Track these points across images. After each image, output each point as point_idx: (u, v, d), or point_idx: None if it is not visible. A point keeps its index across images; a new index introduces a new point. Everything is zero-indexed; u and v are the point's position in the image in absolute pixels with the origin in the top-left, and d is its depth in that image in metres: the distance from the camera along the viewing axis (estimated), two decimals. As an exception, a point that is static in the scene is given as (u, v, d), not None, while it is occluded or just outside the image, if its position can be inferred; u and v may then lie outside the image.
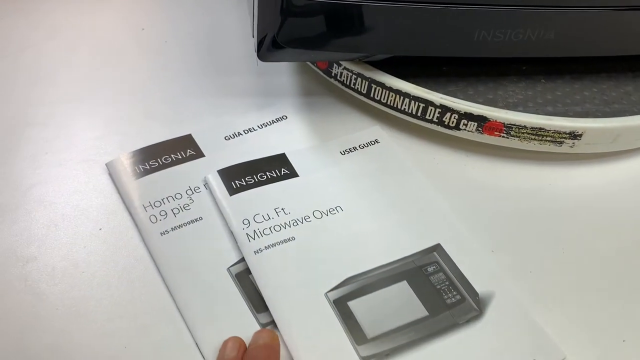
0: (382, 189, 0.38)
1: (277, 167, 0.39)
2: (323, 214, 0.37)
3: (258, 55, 0.37)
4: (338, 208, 0.37)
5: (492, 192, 0.39)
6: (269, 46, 0.37)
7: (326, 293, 0.33)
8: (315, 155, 0.40)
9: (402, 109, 0.41)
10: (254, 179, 0.38)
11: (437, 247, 0.35)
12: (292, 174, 0.39)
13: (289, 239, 0.35)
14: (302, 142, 0.41)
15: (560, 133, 0.39)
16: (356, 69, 0.41)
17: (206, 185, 0.38)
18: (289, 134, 0.41)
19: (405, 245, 0.35)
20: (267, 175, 0.39)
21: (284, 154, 0.40)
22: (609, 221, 0.38)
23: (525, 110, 0.40)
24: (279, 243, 0.35)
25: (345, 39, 0.37)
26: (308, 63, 0.45)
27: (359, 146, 0.41)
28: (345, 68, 0.41)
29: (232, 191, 0.37)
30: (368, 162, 0.40)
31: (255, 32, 0.37)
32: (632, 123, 0.40)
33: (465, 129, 0.40)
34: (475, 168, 0.40)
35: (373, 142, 0.41)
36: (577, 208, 0.38)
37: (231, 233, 0.35)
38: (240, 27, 0.49)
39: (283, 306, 0.32)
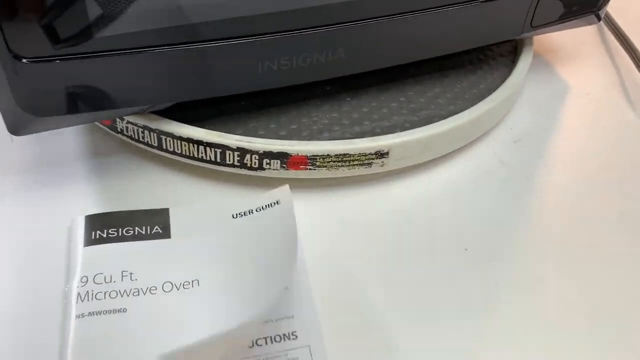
0: (252, 263, 0.33)
1: (151, 224, 0.34)
2: (174, 287, 0.32)
3: (9, 130, 0.32)
4: (195, 282, 0.32)
5: (314, 232, 0.36)
6: (17, 119, 0.31)
7: None
8: (203, 216, 0.35)
9: (200, 157, 0.37)
10: (117, 232, 0.34)
11: None
12: (164, 234, 0.34)
13: (119, 310, 0.31)
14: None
15: (366, 155, 0.37)
16: (141, 121, 0.36)
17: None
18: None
19: None
20: (134, 231, 0.34)
21: (167, 209, 0.35)
22: (432, 239, 0.36)
23: (331, 135, 0.38)
24: (106, 312, 0.30)
25: (107, 96, 0.32)
26: (94, 120, 0.40)
27: (256, 209, 0.36)
28: (129, 122, 0.37)
29: (89, 242, 0.33)
30: (259, 227, 0.35)
31: (-2, 104, 0.31)
32: (437, 130, 0.39)
33: (270, 168, 0.37)
34: (300, 205, 0.37)
35: (273, 204, 0.35)
36: (397, 232, 0.37)
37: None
38: None
39: None
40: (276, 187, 0.37)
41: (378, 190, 0.39)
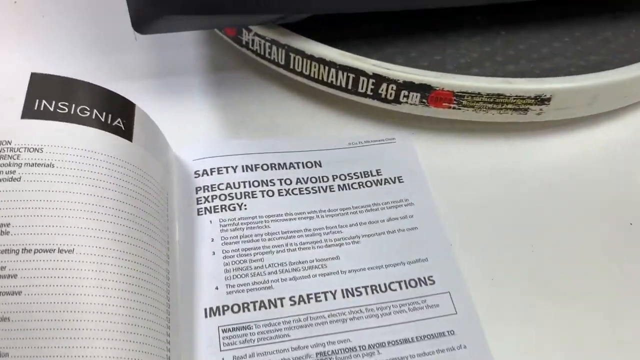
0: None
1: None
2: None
3: (134, 27, 0.29)
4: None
5: (446, 178, 0.32)
6: (145, 14, 0.28)
7: None
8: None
9: (329, 81, 0.33)
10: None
11: None
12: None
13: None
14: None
15: (523, 99, 0.31)
16: (269, 34, 0.33)
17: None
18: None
19: None
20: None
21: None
22: (589, 205, 0.31)
23: (481, 71, 0.32)
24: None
25: (241, -2, 0.29)
26: (215, 30, 0.37)
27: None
28: (256, 34, 0.33)
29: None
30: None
31: (126, -3, 0.29)
32: (613, 78, 0.32)
33: (407, 102, 0.32)
34: (424, 148, 0.33)
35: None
36: (549, 190, 0.31)
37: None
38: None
39: None
40: (405, 127, 0.33)
41: (528, 142, 0.33)
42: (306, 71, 0.33)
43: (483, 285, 0.27)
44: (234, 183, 0.30)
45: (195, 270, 0.27)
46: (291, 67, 0.33)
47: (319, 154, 0.32)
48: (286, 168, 0.31)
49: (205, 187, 0.30)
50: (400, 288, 0.27)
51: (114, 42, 0.38)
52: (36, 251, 0.22)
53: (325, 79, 0.33)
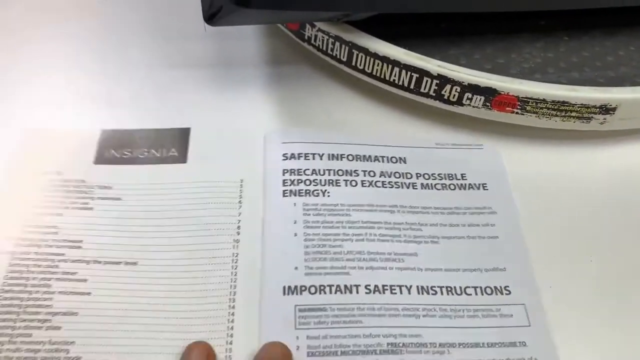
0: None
1: None
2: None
3: (205, 19, 0.30)
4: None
5: (532, 187, 0.31)
6: (218, 7, 0.29)
7: None
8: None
9: (392, 80, 0.33)
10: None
11: None
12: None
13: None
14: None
15: (588, 107, 0.31)
16: (334, 31, 0.33)
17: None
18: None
19: None
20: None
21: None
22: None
23: (545, 77, 0.32)
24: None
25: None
26: (278, 24, 0.37)
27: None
28: (320, 30, 0.33)
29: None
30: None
31: (200, -12, 0.29)
32: (679, 91, 0.32)
33: (469, 105, 0.32)
34: (512, 156, 0.32)
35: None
36: (609, 200, 0.31)
37: None
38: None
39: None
40: (475, 129, 0.33)
41: (591, 152, 0.33)
42: (368, 69, 0.33)
43: (559, 296, 0.27)
44: (319, 170, 0.31)
45: (278, 248, 0.28)
46: (353, 64, 0.33)
47: (404, 151, 0.32)
48: (371, 160, 0.32)
49: (292, 171, 0.31)
50: (476, 294, 0.27)
51: (181, 31, 0.38)
52: (105, 262, 0.28)
53: (387, 78, 0.33)
